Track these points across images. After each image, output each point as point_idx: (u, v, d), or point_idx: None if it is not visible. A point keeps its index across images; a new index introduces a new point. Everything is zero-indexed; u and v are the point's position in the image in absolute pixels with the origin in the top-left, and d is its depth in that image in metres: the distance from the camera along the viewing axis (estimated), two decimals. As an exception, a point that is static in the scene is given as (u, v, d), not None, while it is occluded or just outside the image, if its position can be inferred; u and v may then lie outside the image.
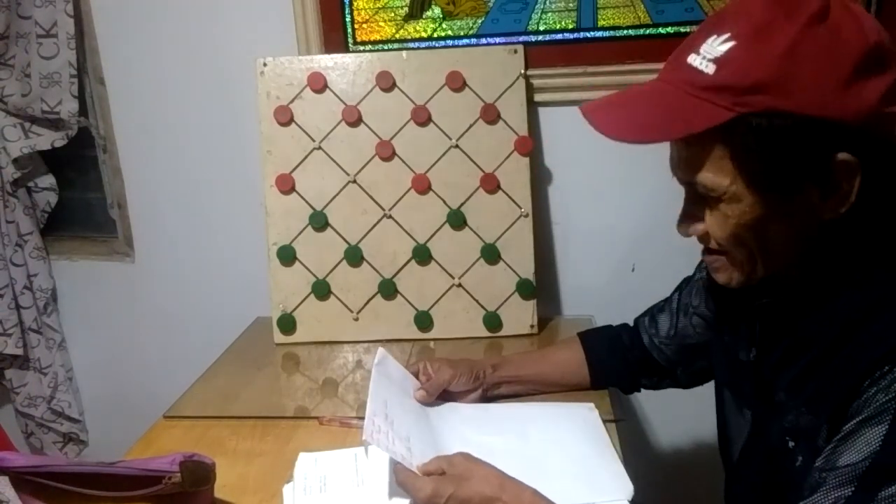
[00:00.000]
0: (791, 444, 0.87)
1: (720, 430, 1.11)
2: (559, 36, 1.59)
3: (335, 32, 1.64)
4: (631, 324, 1.33)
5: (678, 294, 1.24)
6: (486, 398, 1.27)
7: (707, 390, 1.25)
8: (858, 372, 0.77)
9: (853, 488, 0.74)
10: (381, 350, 1.20)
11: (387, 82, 1.58)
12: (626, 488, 1.02)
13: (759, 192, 0.80)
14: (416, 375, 1.23)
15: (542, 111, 1.64)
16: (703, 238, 0.89)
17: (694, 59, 0.80)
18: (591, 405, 1.25)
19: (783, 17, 0.76)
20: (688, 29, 1.53)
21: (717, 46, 0.78)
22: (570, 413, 1.23)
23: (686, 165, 0.83)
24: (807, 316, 0.87)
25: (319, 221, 1.60)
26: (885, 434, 0.73)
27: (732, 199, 0.81)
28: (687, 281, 1.23)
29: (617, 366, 1.30)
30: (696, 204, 0.87)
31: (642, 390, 1.35)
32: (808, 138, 0.75)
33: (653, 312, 1.28)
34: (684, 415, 1.77)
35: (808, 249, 0.84)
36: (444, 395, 1.23)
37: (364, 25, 1.63)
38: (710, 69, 0.78)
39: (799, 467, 0.84)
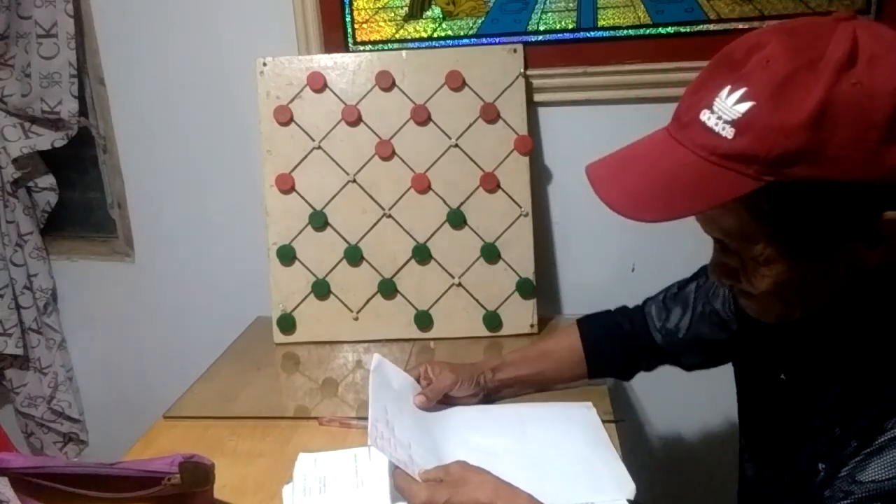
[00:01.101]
0: (822, 466, 0.82)
1: (743, 426, 1.07)
2: (559, 36, 1.59)
3: (335, 32, 1.64)
4: (630, 306, 1.30)
5: (696, 284, 1.18)
6: (487, 402, 1.27)
7: (706, 391, 1.25)
8: (893, 394, 0.74)
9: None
10: (376, 356, 1.19)
11: (386, 82, 1.58)
12: (627, 486, 1.02)
13: (794, 255, 0.74)
14: (418, 379, 1.23)
15: (541, 111, 1.64)
16: (737, 288, 0.83)
17: (709, 118, 0.71)
18: (589, 404, 1.24)
19: (806, 69, 0.67)
20: (688, 29, 1.52)
21: (733, 105, 0.69)
22: (569, 413, 1.23)
23: (712, 227, 0.78)
24: (841, 338, 0.83)
25: (319, 221, 1.60)
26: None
27: (766, 262, 0.75)
28: (706, 270, 1.17)
29: (616, 355, 1.28)
30: (729, 255, 0.80)
31: (640, 390, 1.34)
32: (849, 203, 0.69)
33: (665, 300, 1.23)
34: (684, 415, 1.77)
35: (848, 284, 0.78)
36: (445, 400, 1.23)
37: (364, 25, 1.63)
38: (728, 133, 0.69)
39: (821, 480, 0.81)
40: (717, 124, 0.70)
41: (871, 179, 0.67)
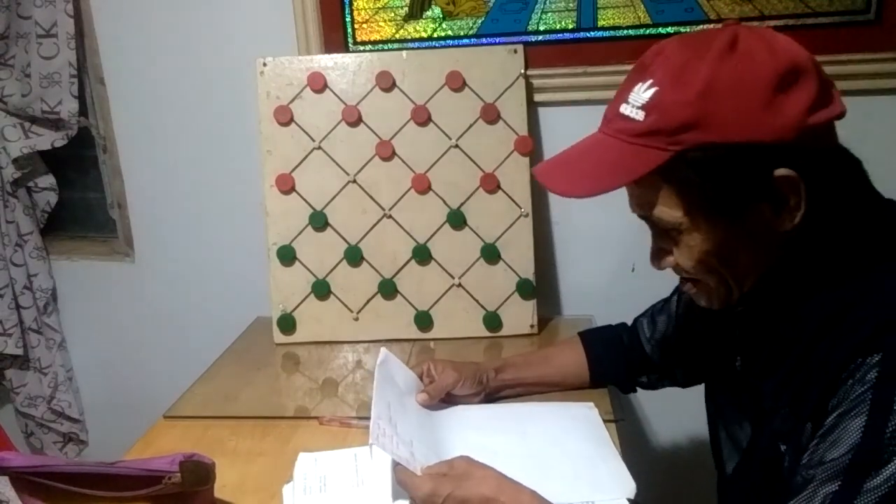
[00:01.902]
0: (783, 447, 0.87)
1: (712, 439, 1.12)
2: (559, 36, 1.59)
3: (335, 32, 1.64)
4: (629, 322, 1.33)
5: (677, 297, 1.24)
6: (488, 401, 1.27)
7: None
8: (833, 368, 0.78)
9: (839, 483, 0.75)
10: (383, 350, 1.19)
11: (387, 82, 1.58)
12: (627, 485, 1.02)
13: (711, 219, 0.83)
14: (421, 376, 1.23)
15: (541, 111, 1.64)
16: (676, 269, 0.92)
17: (625, 109, 0.84)
18: (591, 404, 1.25)
19: (696, 58, 0.80)
20: (688, 29, 1.53)
21: (642, 94, 0.82)
22: (570, 412, 1.23)
23: (641, 204, 0.88)
24: (782, 321, 0.90)
25: (319, 221, 1.60)
26: (864, 425, 0.74)
27: (690, 230, 0.85)
28: None
29: (616, 366, 1.31)
30: (662, 238, 0.90)
31: (639, 390, 1.35)
32: (743, 163, 0.79)
33: (652, 313, 1.29)
34: (684, 415, 1.76)
35: (777, 261, 0.87)
36: (447, 398, 1.23)
37: (364, 25, 1.63)
38: (639, 116, 0.82)
39: (787, 468, 0.85)
40: (631, 112, 0.83)
41: (757, 140, 0.78)
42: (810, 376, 0.82)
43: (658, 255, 0.92)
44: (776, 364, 0.90)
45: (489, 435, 1.14)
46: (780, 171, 0.79)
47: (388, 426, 1.01)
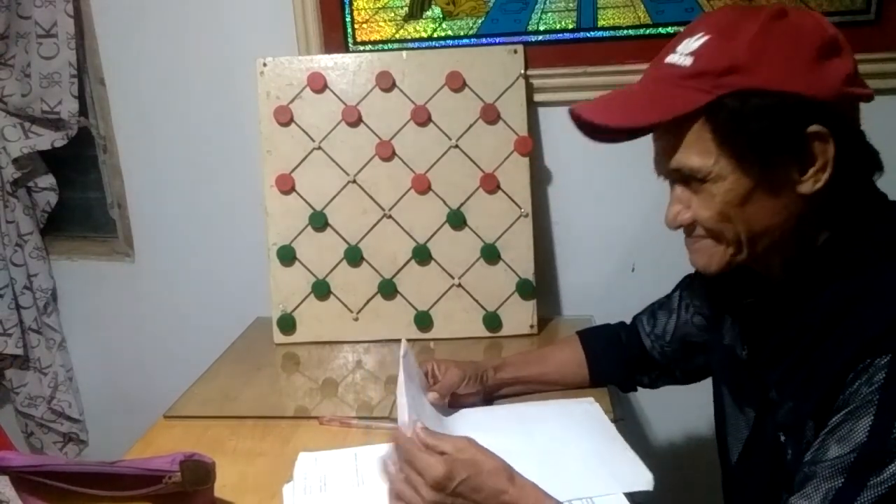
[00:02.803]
0: (783, 438, 0.89)
1: (718, 428, 1.12)
2: (559, 36, 1.59)
3: (335, 32, 1.64)
4: (629, 322, 1.33)
5: (679, 292, 1.25)
6: (488, 400, 1.27)
7: (706, 389, 1.25)
8: (840, 365, 0.79)
9: (843, 479, 0.76)
10: (404, 343, 1.15)
11: (387, 82, 1.58)
12: (645, 476, 1.01)
13: (741, 167, 0.84)
14: (426, 375, 1.23)
15: (541, 111, 1.64)
16: (689, 227, 0.92)
17: (672, 58, 0.87)
18: (591, 399, 1.24)
19: (746, 18, 0.84)
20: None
21: (692, 44, 0.85)
22: (572, 409, 1.22)
23: (672, 152, 0.88)
24: (791, 314, 0.90)
25: (319, 221, 1.60)
26: (871, 425, 0.75)
27: (717, 178, 0.86)
28: (688, 279, 1.24)
29: (615, 364, 1.31)
30: (682, 194, 0.91)
31: (639, 389, 1.35)
32: (782, 112, 0.81)
33: (653, 309, 1.29)
34: (683, 414, 1.77)
35: (790, 231, 0.88)
36: (450, 399, 1.23)
37: (364, 25, 1.63)
38: (687, 62, 0.85)
39: (790, 461, 0.86)
40: (679, 59, 0.86)
41: (799, 91, 0.80)
42: (816, 372, 0.83)
43: (675, 213, 0.92)
44: (783, 355, 0.90)
45: (494, 438, 1.13)
46: (814, 127, 0.81)
47: (415, 415, 1.01)
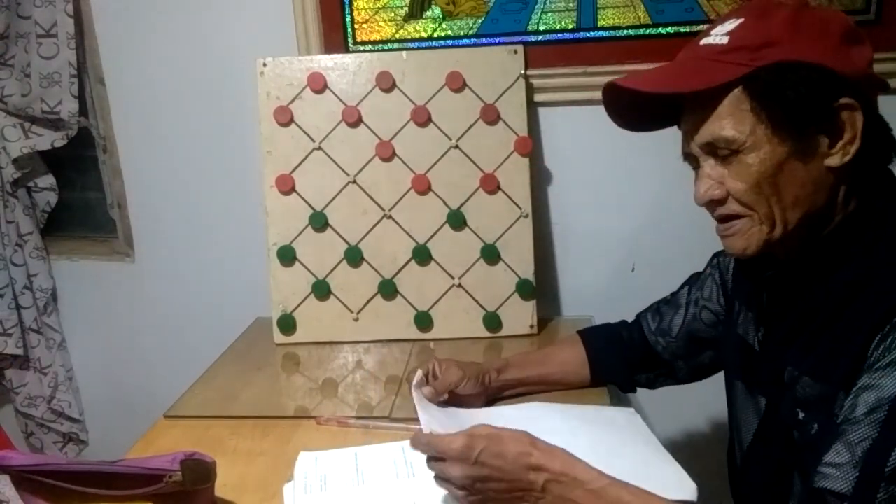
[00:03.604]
0: (802, 415, 0.90)
1: (731, 422, 1.12)
2: (559, 36, 1.59)
3: (335, 32, 1.64)
4: (629, 320, 1.34)
5: (687, 288, 1.26)
6: (490, 402, 1.27)
7: (706, 388, 1.25)
8: (863, 334, 0.82)
9: (876, 433, 0.77)
10: (419, 372, 1.20)
11: (387, 82, 1.58)
12: (689, 486, 1.00)
13: (777, 135, 0.87)
14: (426, 375, 1.23)
15: (541, 111, 1.65)
16: (719, 207, 0.93)
17: (707, 40, 0.91)
18: (632, 410, 1.24)
19: (778, 5, 0.89)
20: (688, 29, 1.53)
21: (727, 26, 0.90)
22: (615, 416, 1.21)
23: (707, 124, 0.90)
24: (809, 288, 0.93)
25: (319, 221, 1.60)
26: None
27: (752, 148, 0.88)
28: (696, 276, 1.25)
29: (617, 363, 1.31)
30: (712, 170, 0.92)
31: (639, 390, 1.35)
32: (816, 83, 0.84)
33: (657, 306, 1.29)
34: (683, 413, 1.77)
35: (817, 206, 0.90)
36: (451, 397, 1.23)
37: (364, 25, 1.63)
38: (724, 40, 0.89)
39: (815, 435, 0.88)
40: (714, 39, 0.90)
41: (830, 66, 0.85)
42: (836, 343, 0.86)
43: (706, 188, 0.93)
44: (799, 331, 0.93)
45: (540, 434, 1.13)
46: (845, 100, 0.85)
47: (440, 429, 1.01)
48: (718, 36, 0.89)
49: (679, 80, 0.91)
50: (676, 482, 1.02)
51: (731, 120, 0.88)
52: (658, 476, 1.03)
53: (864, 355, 0.82)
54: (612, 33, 1.57)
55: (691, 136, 0.93)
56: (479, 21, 1.60)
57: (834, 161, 0.87)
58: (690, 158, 0.96)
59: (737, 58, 0.87)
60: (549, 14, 1.58)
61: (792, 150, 0.87)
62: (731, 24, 0.89)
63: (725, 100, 0.88)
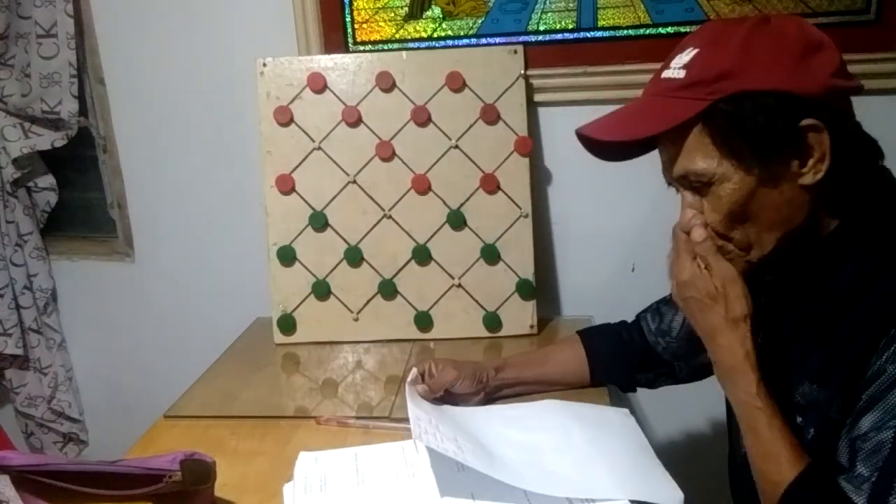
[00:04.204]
0: (799, 419, 0.91)
1: (730, 424, 1.11)
2: (559, 36, 1.59)
3: (335, 32, 1.64)
4: (629, 320, 1.34)
5: None
6: (488, 401, 1.27)
7: (706, 388, 1.25)
8: (865, 340, 0.82)
9: (888, 451, 0.79)
10: (414, 370, 1.21)
11: (387, 83, 1.58)
12: (676, 494, 1.00)
13: (742, 166, 0.87)
14: (422, 375, 1.23)
15: (541, 111, 1.64)
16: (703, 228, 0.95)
17: (667, 73, 0.92)
18: (626, 411, 1.24)
19: (732, 28, 0.89)
20: (688, 29, 1.53)
21: (683, 58, 0.90)
22: (610, 416, 1.21)
23: (676, 159, 0.92)
24: (808, 292, 0.93)
25: (319, 222, 1.60)
26: None
27: (722, 179, 0.89)
28: None
29: (616, 363, 1.31)
30: (693, 200, 0.94)
31: (639, 390, 1.35)
32: (774, 110, 0.84)
33: (657, 306, 1.29)
34: (683, 413, 1.77)
35: (802, 225, 0.90)
36: (447, 397, 1.23)
37: (364, 25, 1.63)
38: (681, 74, 0.89)
39: (811, 440, 0.88)
40: (673, 73, 0.91)
41: (788, 89, 0.84)
42: (836, 348, 0.86)
43: (689, 217, 0.94)
44: (799, 335, 0.93)
45: (531, 433, 1.14)
46: (807, 121, 0.85)
47: (428, 426, 1.01)
48: (676, 69, 0.90)
49: (640, 124, 0.92)
50: (664, 489, 1.02)
51: (698, 154, 0.89)
52: (647, 481, 1.04)
53: (864, 363, 0.82)
54: (612, 33, 1.57)
55: (668, 168, 0.95)
56: (479, 21, 1.60)
57: (807, 180, 0.87)
58: (674, 185, 0.97)
59: (694, 93, 0.87)
60: (549, 14, 1.58)
61: (761, 177, 0.87)
62: (687, 56, 0.89)
63: (690, 136, 0.89)
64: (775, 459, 0.87)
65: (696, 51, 0.89)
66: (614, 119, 0.97)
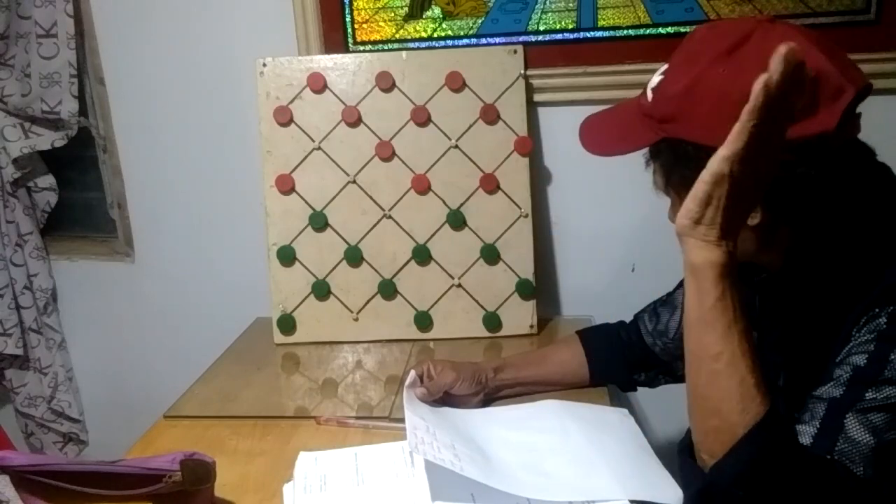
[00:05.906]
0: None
1: None
2: (559, 36, 1.59)
3: (335, 32, 1.64)
4: (628, 321, 1.34)
5: (682, 289, 1.24)
6: (488, 402, 1.27)
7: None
8: (845, 334, 0.84)
9: (841, 391, 0.80)
10: (413, 372, 1.21)
11: (386, 83, 1.58)
12: (675, 493, 0.99)
13: (681, 200, 0.85)
14: (420, 376, 1.23)
15: (541, 111, 1.64)
16: None
17: (650, 84, 0.94)
18: (625, 411, 1.24)
19: (700, 52, 0.87)
20: (687, 29, 1.53)
21: (657, 76, 0.93)
22: (609, 416, 1.22)
23: (654, 173, 0.98)
24: (800, 292, 0.94)
25: (319, 222, 1.60)
26: (869, 352, 0.80)
27: (673, 203, 0.96)
28: None
29: (616, 363, 1.31)
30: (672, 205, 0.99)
31: (638, 389, 1.35)
32: (705, 162, 0.78)
33: (655, 306, 1.30)
34: (683, 412, 1.76)
35: (751, 252, 0.92)
36: (446, 399, 1.23)
37: (364, 25, 1.63)
38: (650, 97, 0.92)
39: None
40: (648, 91, 0.93)
41: (716, 145, 0.76)
42: (827, 347, 0.86)
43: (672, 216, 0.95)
44: (793, 335, 0.95)
45: (530, 434, 1.14)
46: None
47: (425, 434, 1.02)
48: (650, 88, 0.92)
49: (612, 142, 0.99)
50: (663, 486, 1.02)
51: (658, 173, 0.96)
52: (647, 480, 1.04)
53: (846, 342, 0.84)
54: (612, 33, 1.57)
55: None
56: (479, 21, 1.60)
57: (751, 222, 0.86)
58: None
59: (650, 124, 0.91)
60: (549, 14, 1.58)
61: None
62: (658, 77, 0.92)
63: (656, 160, 0.95)
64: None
65: (662, 77, 0.91)
66: (596, 128, 1.04)
